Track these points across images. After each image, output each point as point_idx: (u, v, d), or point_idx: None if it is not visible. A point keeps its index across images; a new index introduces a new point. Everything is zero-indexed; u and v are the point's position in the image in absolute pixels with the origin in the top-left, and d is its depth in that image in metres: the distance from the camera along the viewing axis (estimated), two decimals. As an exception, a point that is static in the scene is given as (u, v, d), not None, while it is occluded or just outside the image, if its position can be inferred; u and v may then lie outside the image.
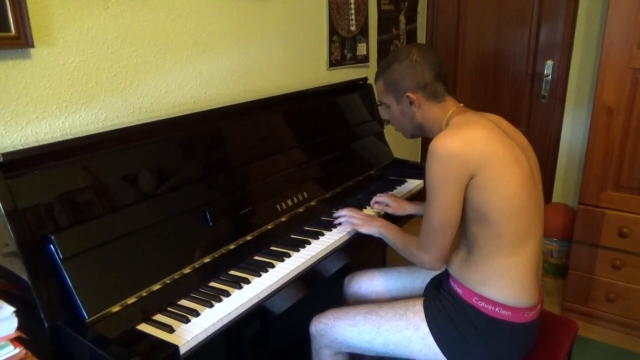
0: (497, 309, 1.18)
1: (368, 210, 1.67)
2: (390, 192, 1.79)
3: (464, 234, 1.24)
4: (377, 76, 1.37)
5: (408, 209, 1.66)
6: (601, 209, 2.09)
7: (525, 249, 1.18)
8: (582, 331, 1.48)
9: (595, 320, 2.23)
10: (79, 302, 1.01)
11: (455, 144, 1.13)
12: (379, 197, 1.68)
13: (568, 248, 2.40)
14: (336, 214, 1.54)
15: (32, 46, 1.17)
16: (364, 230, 1.46)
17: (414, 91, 1.28)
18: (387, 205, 1.66)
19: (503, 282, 1.18)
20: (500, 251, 1.16)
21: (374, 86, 1.40)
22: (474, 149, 1.12)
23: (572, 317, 1.50)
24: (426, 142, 3.28)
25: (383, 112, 1.42)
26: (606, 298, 2.17)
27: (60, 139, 1.17)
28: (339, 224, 1.52)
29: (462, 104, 1.30)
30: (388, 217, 1.63)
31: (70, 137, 1.19)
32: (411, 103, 1.29)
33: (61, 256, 1.01)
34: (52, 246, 1.01)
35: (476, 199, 1.15)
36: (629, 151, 1.99)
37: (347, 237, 1.48)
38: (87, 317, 1.00)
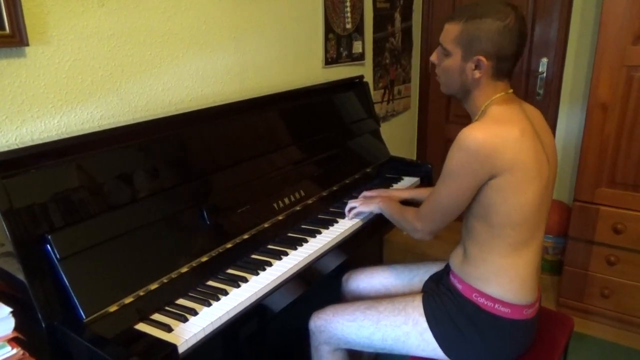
0: (496, 306, 1.19)
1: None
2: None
3: (464, 225, 1.24)
4: (457, 18, 1.16)
5: (396, 197, 1.63)
6: (596, 205, 2.10)
7: (526, 251, 1.18)
8: (577, 327, 1.49)
9: (590, 316, 2.25)
10: (77, 301, 1.00)
11: (486, 141, 1.07)
12: (368, 193, 1.67)
13: (563, 245, 2.41)
14: (348, 204, 1.58)
15: (27, 45, 1.16)
16: (365, 208, 1.52)
17: (489, 57, 1.13)
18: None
19: (502, 279, 1.18)
20: (499, 251, 1.17)
21: (446, 25, 1.19)
22: (503, 152, 1.07)
23: (567, 313, 1.51)
24: (422, 141, 3.29)
25: (436, 55, 1.24)
26: (601, 294, 2.19)
27: (55, 138, 1.17)
28: (319, 232, 1.49)
29: (511, 91, 1.20)
30: (375, 224, 1.63)
31: (66, 136, 1.18)
32: (477, 67, 1.15)
33: (58, 256, 1.01)
34: (48, 246, 1.01)
35: (487, 198, 1.13)
36: (623, 148, 2.00)
37: (344, 235, 1.48)
38: (84, 317, 1.00)
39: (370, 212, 1.55)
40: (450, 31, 1.18)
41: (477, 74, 1.16)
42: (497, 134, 1.08)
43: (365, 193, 1.68)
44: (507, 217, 1.13)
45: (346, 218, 1.57)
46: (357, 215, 1.57)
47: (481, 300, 1.20)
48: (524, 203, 1.12)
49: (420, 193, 1.65)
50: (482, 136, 1.08)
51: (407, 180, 1.96)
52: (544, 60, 2.68)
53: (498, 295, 1.19)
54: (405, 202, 1.62)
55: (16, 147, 1.09)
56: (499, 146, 1.07)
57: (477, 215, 1.17)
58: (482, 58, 1.13)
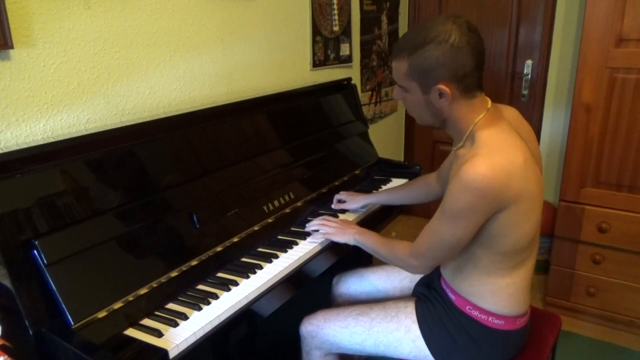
0: (490, 319, 1.18)
1: (347, 216, 1.64)
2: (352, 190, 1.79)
3: (464, 250, 1.16)
4: (400, 54, 1.09)
5: (362, 200, 1.65)
6: (581, 205, 2.13)
7: (523, 268, 1.17)
8: (564, 325, 1.51)
9: (577, 314, 2.28)
10: (65, 308, 0.99)
11: (494, 178, 0.99)
12: (339, 196, 1.69)
13: (549, 244, 2.45)
14: (308, 224, 1.49)
15: (12, 47, 1.15)
16: (338, 239, 1.39)
17: (449, 82, 1.05)
18: (344, 202, 1.67)
19: (498, 298, 1.17)
20: (497, 273, 1.15)
21: (393, 64, 1.14)
22: (510, 187, 1.01)
23: (554, 312, 1.53)
24: (409, 141, 3.31)
25: (397, 92, 1.17)
26: (587, 292, 2.22)
27: (41, 142, 1.15)
28: (309, 234, 1.46)
29: (490, 104, 1.12)
30: (369, 222, 1.64)
31: (52, 140, 1.16)
32: (441, 95, 1.07)
33: (45, 261, 0.99)
34: (35, 251, 0.99)
35: (494, 230, 1.08)
36: (607, 148, 2.03)
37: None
38: (73, 323, 0.99)
39: (343, 242, 1.40)
40: (399, 69, 1.10)
41: (444, 102, 1.08)
42: (503, 167, 1.00)
43: (337, 196, 1.69)
44: (513, 245, 1.10)
45: (303, 246, 1.40)
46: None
47: (475, 313, 1.19)
48: (529, 229, 1.10)
49: (382, 196, 1.67)
50: (490, 174, 0.99)
51: (396, 182, 1.97)
52: (529, 62, 2.72)
53: (493, 310, 1.18)
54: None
55: (0, 151, 1.07)
56: (505, 181, 1.01)
57: (480, 243, 1.12)
58: (442, 86, 1.05)
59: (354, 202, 1.66)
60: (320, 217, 1.49)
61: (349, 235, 1.38)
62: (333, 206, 1.68)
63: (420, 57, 1.05)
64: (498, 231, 1.08)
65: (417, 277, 1.45)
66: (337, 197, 1.70)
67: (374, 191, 1.78)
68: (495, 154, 1.02)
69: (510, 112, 1.19)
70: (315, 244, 1.42)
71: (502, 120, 1.11)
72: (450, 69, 1.03)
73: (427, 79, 1.07)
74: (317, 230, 1.46)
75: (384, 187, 1.91)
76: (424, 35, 1.04)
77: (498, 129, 1.08)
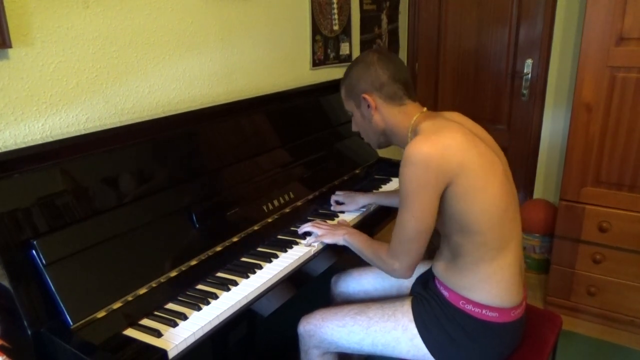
0: (484, 311, 1.19)
1: (345, 217, 1.63)
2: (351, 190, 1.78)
3: (447, 242, 1.23)
4: (341, 84, 1.34)
5: (360, 201, 1.66)
6: (581, 204, 2.13)
7: (508, 252, 1.18)
8: (565, 325, 1.51)
9: (577, 313, 2.28)
10: (63, 308, 0.98)
11: (432, 151, 1.09)
12: (336, 197, 1.70)
13: (550, 243, 2.44)
14: (300, 228, 1.48)
15: (10, 46, 1.14)
16: (328, 240, 1.41)
17: (370, 92, 1.25)
18: (342, 204, 1.67)
19: (489, 286, 1.18)
20: (484, 258, 1.16)
21: (341, 96, 1.37)
22: (451, 157, 1.09)
23: (555, 311, 1.52)
24: (409, 140, 3.30)
25: (353, 124, 1.38)
26: (587, 292, 2.22)
27: (40, 141, 1.14)
28: (307, 234, 1.45)
29: (425, 109, 1.27)
30: (362, 225, 1.63)
31: (51, 139, 1.16)
32: (368, 106, 1.26)
33: (44, 261, 0.99)
34: (34, 251, 0.99)
35: (457, 210, 1.13)
36: (607, 147, 2.03)
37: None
38: (71, 324, 0.98)
39: (333, 243, 1.42)
40: (343, 96, 1.35)
41: (372, 111, 1.26)
42: (440, 142, 1.11)
43: (334, 197, 1.70)
44: (482, 219, 1.13)
45: (303, 246, 1.41)
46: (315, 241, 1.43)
47: (468, 307, 1.20)
48: (490, 201, 1.13)
49: (379, 198, 1.68)
50: (427, 147, 1.09)
51: (396, 181, 1.97)
52: (529, 61, 2.71)
53: (485, 301, 1.19)
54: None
55: (-1, 150, 1.07)
56: (445, 152, 1.09)
57: (456, 230, 1.16)
58: (365, 95, 1.25)
59: (353, 204, 1.66)
60: (313, 221, 1.50)
61: (338, 236, 1.40)
62: (332, 208, 1.68)
63: (349, 78, 1.30)
64: (459, 208, 1.12)
65: (415, 276, 1.45)
66: (334, 197, 1.70)
67: (374, 191, 1.77)
68: (433, 134, 1.14)
69: (452, 114, 1.30)
70: (316, 244, 1.41)
71: (439, 116, 1.25)
72: (367, 80, 1.25)
73: (355, 94, 1.29)
74: (309, 234, 1.46)
75: (383, 187, 1.90)
76: (351, 65, 1.30)
77: (435, 119, 1.21)
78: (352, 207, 1.66)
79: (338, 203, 1.69)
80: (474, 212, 1.12)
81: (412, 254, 1.18)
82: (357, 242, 1.36)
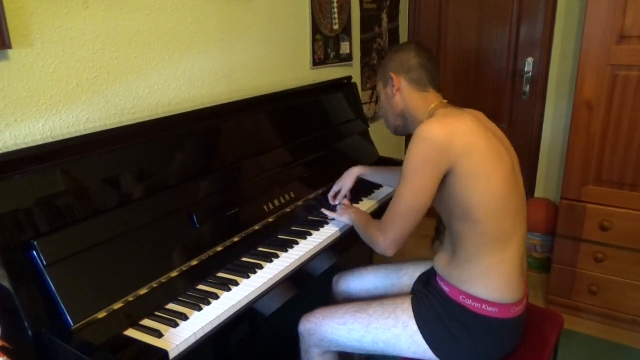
0: (484, 306, 1.19)
1: (362, 205, 1.71)
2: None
3: (449, 234, 1.25)
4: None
5: (355, 170, 1.68)
6: (583, 203, 2.12)
7: (510, 247, 1.19)
8: (566, 324, 1.51)
9: (578, 313, 2.27)
10: (64, 308, 0.98)
11: (440, 131, 1.13)
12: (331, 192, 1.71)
13: (551, 242, 2.44)
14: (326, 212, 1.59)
15: (10, 47, 1.14)
16: (338, 216, 1.53)
17: (397, 73, 1.32)
18: (338, 191, 1.69)
19: (489, 280, 1.18)
20: (485, 249, 1.17)
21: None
22: (457, 139, 1.13)
23: (556, 311, 1.52)
24: (409, 140, 3.30)
25: (378, 106, 1.45)
26: (589, 291, 2.21)
27: (40, 142, 1.14)
28: (309, 233, 1.49)
29: (446, 101, 1.32)
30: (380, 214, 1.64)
31: (51, 140, 1.16)
32: (393, 85, 1.32)
33: (44, 262, 0.99)
34: (34, 252, 0.99)
35: (458, 193, 1.15)
36: (609, 146, 2.02)
37: (335, 237, 1.48)
38: (72, 324, 0.98)
39: (344, 222, 1.52)
40: (377, 79, 1.43)
41: (395, 91, 1.33)
42: (450, 124, 1.15)
43: (332, 194, 1.71)
44: (482, 207, 1.14)
45: (304, 246, 1.42)
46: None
47: (468, 302, 1.20)
48: (494, 189, 1.14)
49: (386, 172, 1.71)
50: (437, 128, 1.14)
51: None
52: (530, 60, 2.71)
53: (485, 296, 1.19)
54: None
55: (0, 151, 1.07)
56: (452, 134, 1.13)
57: (457, 216, 1.18)
58: (392, 74, 1.32)
59: (346, 181, 1.67)
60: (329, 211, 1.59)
61: (347, 215, 1.50)
62: (331, 202, 1.69)
63: (382, 64, 1.39)
64: (461, 191, 1.14)
65: (416, 276, 1.46)
66: (330, 195, 1.70)
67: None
68: (445, 117, 1.20)
69: (475, 111, 1.33)
70: (316, 244, 1.41)
71: (456, 108, 1.29)
72: (397, 62, 1.33)
73: (384, 74, 1.37)
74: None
75: (384, 186, 1.90)
76: (391, 49, 1.38)
77: (451, 109, 1.26)
78: (347, 184, 1.67)
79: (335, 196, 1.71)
80: (474, 198, 1.14)
81: (399, 229, 1.20)
82: (358, 219, 1.42)
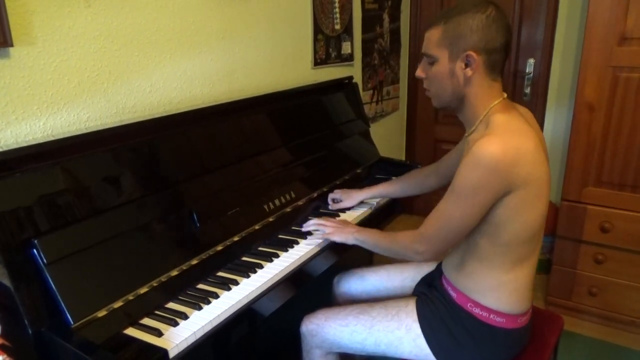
0: (491, 316, 1.18)
1: (347, 216, 1.62)
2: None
3: (465, 240, 1.18)
4: (436, 22, 1.13)
5: (358, 197, 1.65)
6: (583, 204, 2.12)
7: (527, 265, 1.16)
8: (566, 325, 1.50)
9: (578, 314, 2.27)
10: (64, 307, 0.98)
11: (504, 157, 1.01)
12: (334, 195, 1.69)
13: (551, 244, 2.43)
14: (305, 224, 1.46)
15: (11, 45, 1.14)
16: (337, 238, 1.37)
17: (479, 52, 1.08)
18: (340, 201, 1.67)
19: (501, 294, 1.16)
20: (501, 267, 1.14)
21: (426, 34, 1.16)
22: (521, 167, 1.03)
23: (556, 312, 1.52)
24: (411, 140, 3.30)
25: (421, 68, 1.19)
26: (589, 292, 2.21)
27: (41, 140, 1.14)
28: (310, 233, 1.44)
29: (505, 95, 1.16)
30: (373, 221, 1.63)
31: (52, 138, 1.16)
32: (467, 65, 1.10)
33: (45, 261, 0.98)
34: (35, 250, 0.99)
35: (497, 217, 1.08)
36: (609, 147, 2.02)
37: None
38: (72, 323, 0.98)
39: (341, 242, 1.39)
40: (432, 36, 1.14)
41: (469, 72, 1.10)
42: (514, 145, 1.02)
43: (332, 195, 1.69)
44: (516, 234, 1.10)
45: (304, 246, 1.40)
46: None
47: (476, 311, 1.19)
48: (533, 219, 1.09)
49: (377, 191, 1.67)
50: (501, 150, 1.01)
51: (397, 181, 1.96)
52: (531, 61, 2.71)
53: (494, 307, 1.17)
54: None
55: (0, 149, 1.07)
56: (516, 160, 1.02)
57: (484, 232, 1.12)
58: (472, 53, 1.08)
59: (350, 200, 1.66)
60: (317, 218, 1.48)
61: (347, 233, 1.37)
62: (330, 207, 1.68)
63: (456, 23, 1.09)
64: (503, 217, 1.08)
65: (419, 277, 1.45)
66: (331, 196, 1.70)
67: (366, 187, 1.76)
68: (508, 134, 1.05)
69: (524, 110, 1.23)
70: (316, 243, 1.41)
71: (515, 109, 1.15)
72: (482, 37, 1.07)
73: (458, 44, 1.09)
74: (315, 231, 1.45)
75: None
76: (462, 6, 1.09)
77: (511, 115, 1.11)
78: (349, 203, 1.65)
79: (335, 202, 1.69)
80: (515, 226, 1.08)
81: (443, 242, 1.14)
82: (369, 237, 1.33)
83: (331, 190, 1.74)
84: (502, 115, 1.10)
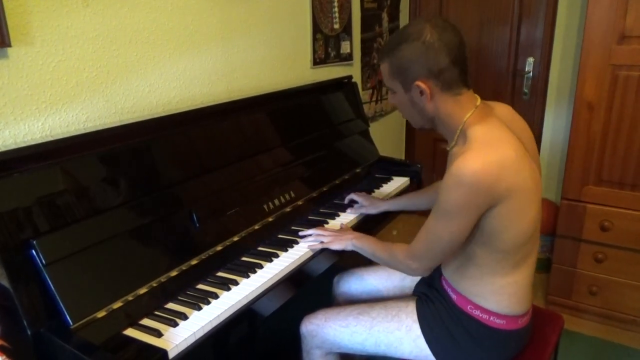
0: (491, 318, 1.18)
1: (344, 217, 1.62)
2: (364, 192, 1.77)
3: (462, 247, 1.17)
4: (382, 57, 1.15)
5: (382, 206, 1.64)
6: (583, 203, 2.12)
7: (525, 267, 1.16)
8: (566, 324, 1.50)
9: (579, 313, 2.27)
10: (63, 308, 0.98)
11: (485, 172, 1.00)
12: (354, 196, 1.68)
13: (551, 242, 2.43)
14: (302, 233, 1.45)
15: (9, 45, 1.14)
16: (336, 246, 1.37)
17: (426, 79, 1.08)
18: (361, 206, 1.65)
19: (501, 297, 1.16)
20: (502, 272, 1.14)
21: (380, 67, 1.19)
22: (502, 180, 1.01)
23: (556, 311, 1.52)
24: (410, 139, 3.30)
25: (389, 96, 1.22)
26: (589, 291, 2.21)
27: (40, 140, 1.14)
28: (307, 242, 1.42)
29: (479, 100, 1.13)
30: (363, 225, 1.62)
31: (51, 138, 1.16)
32: (421, 93, 1.10)
33: (43, 261, 0.98)
34: (33, 251, 0.98)
35: (490, 227, 1.08)
36: (609, 146, 2.02)
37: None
38: (71, 324, 0.98)
39: (341, 250, 1.39)
40: (384, 70, 1.17)
41: (425, 99, 1.11)
42: (494, 161, 1.01)
43: (352, 196, 1.68)
44: (512, 241, 1.09)
45: (303, 246, 1.40)
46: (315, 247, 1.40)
47: (476, 313, 1.19)
48: (527, 224, 1.09)
49: (402, 202, 1.65)
50: (481, 168, 1.00)
51: (397, 180, 1.96)
52: (530, 59, 2.71)
53: (495, 309, 1.17)
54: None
55: (-1, 150, 1.06)
56: (498, 174, 1.01)
57: (480, 241, 1.11)
58: (419, 83, 1.09)
59: (373, 208, 1.64)
60: (315, 228, 1.46)
61: (346, 241, 1.38)
62: (349, 211, 1.65)
63: (398, 57, 1.10)
64: (495, 228, 1.07)
65: (418, 277, 1.44)
66: (353, 197, 1.68)
67: (392, 198, 1.74)
68: (487, 148, 1.04)
69: (502, 109, 1.20)
70: (316, 243, 1.41)
71: (492, 116, 1.12)
72: (423, 65, 1.07)
73: (405, 77, 1.11)
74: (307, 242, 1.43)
75: (384, 186, 1.90)
76: (400, 35, 1.10)
77: (488, 125, 1.09)
78: (372, 210, 1.64)
79: (354, 203, 1.67)
80: (507, 234, 1.08)
81: (434, 260, 1.16)
82: (368, 245, 1.34)
83: (331, 190, 1.74)
84: (479, 127, 1.08)
